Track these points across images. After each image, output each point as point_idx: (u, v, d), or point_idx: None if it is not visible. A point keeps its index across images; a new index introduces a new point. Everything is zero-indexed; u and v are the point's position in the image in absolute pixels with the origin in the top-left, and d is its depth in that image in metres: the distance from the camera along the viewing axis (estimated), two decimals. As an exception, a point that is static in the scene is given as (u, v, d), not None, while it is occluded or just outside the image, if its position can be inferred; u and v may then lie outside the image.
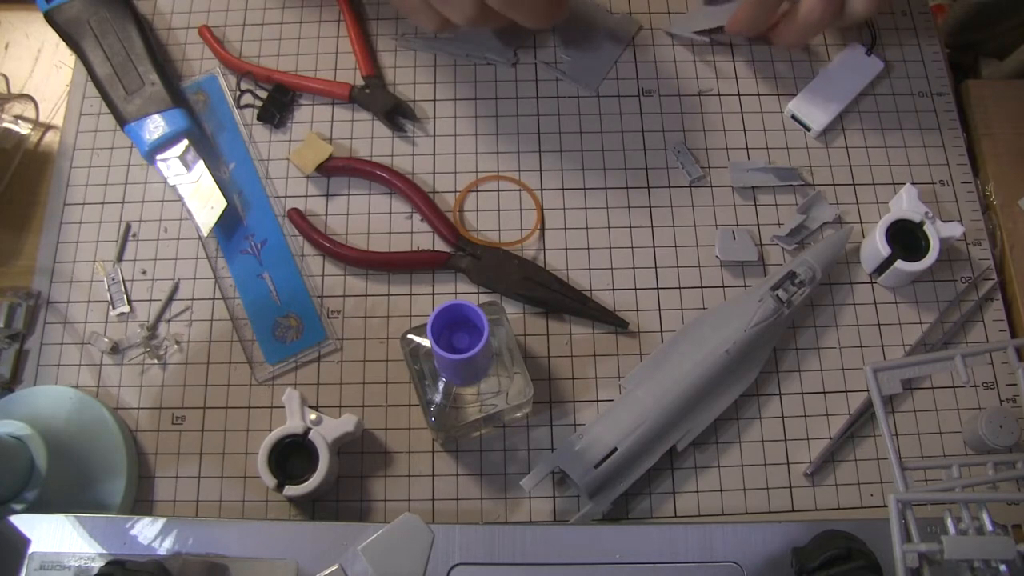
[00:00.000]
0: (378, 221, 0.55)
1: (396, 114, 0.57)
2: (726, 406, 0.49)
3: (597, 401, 0.51)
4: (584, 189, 0.56)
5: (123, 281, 0.54)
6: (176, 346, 0.52)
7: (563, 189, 0.56)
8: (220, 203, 0.53)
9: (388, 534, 0.41)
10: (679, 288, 0.53)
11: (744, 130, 0.57)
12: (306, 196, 0.56)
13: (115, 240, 0.55)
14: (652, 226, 0.55)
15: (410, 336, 0.45)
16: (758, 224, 0.55)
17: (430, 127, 0.57)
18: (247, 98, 0.58)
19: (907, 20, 0.61)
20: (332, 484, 0.49)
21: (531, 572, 0.41)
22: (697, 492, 0.49)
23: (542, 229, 0.55)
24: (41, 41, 0.61)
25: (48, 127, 0.59)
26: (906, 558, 0.38)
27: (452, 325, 0.40)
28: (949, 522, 0.39)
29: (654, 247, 0.54)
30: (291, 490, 0.46)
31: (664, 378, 0.48)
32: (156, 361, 0.52)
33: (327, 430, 0.47)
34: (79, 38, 0.55)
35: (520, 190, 0.56)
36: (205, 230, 0.53)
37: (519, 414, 0.50)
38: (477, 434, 0.50)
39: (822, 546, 0.40)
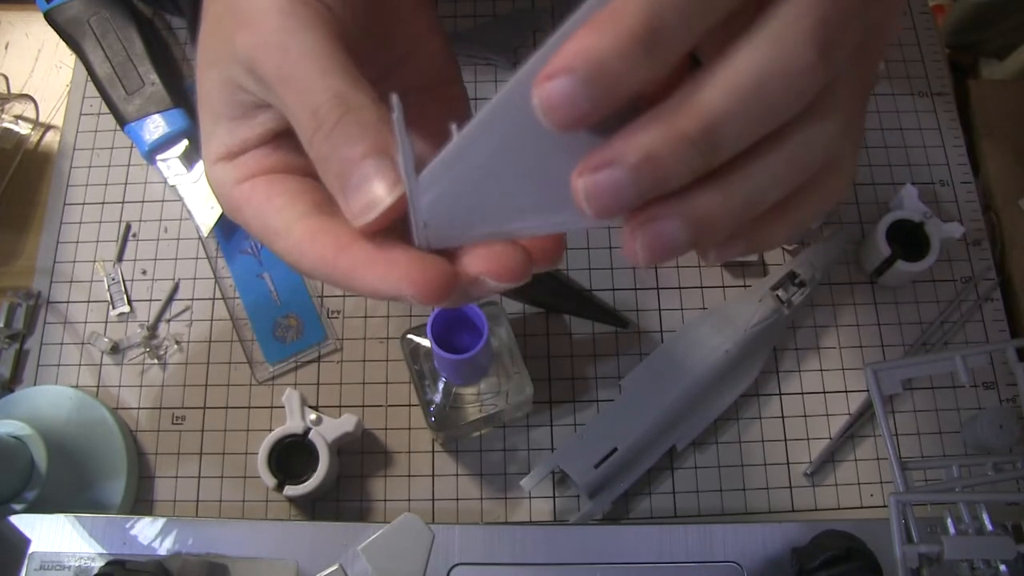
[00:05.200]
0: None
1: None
2: (726, 406, 0.49)
3: (597, 401, 0.51)
4: (584, 189, 0.55)
5: (123, 281, 0.54)
6: (176, 346, 0.52)
7: (563, 189, 0.55)
8: (220, 203, 0.53)
9: (388, 534, 0.41)
10: (679, 288, 0.53)
11: (744, 130, 0.57)
12: (306, 196, 0.55)
13: (115, 240, 0.55)
14: (652, 226, 0.55)
15: (410, 336, 0.45)
16: (758, 224, 0.55)
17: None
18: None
19: (907, 20, 0.61)
20: (332, 484, 0.49)
21: (531, 572, 0.41)
22: (697, 492, 0.49)
23: (542, 229, 0.55)
24: (41, 41, 0.61)
25: (48, 127, 0.59)
26: (906, 558, 0.38)
27: (452, 325, 0.40)
28: (949, 522, 0.39)
29: (654, 247, 0.54)
30: (291, 490, 0.46)
31: (664, 378, 0.48)
32: (156, 361, 0.52)
33: (327, 430, 0.47)
34: (79, 38, 0.55)
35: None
36: (205, 230, 0.53)
37: (519, 414, 0.50)
38: (477, 434, 0.50)
39: (822, 546, 0.40)
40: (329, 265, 0.23)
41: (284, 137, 0.26)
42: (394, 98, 0.21)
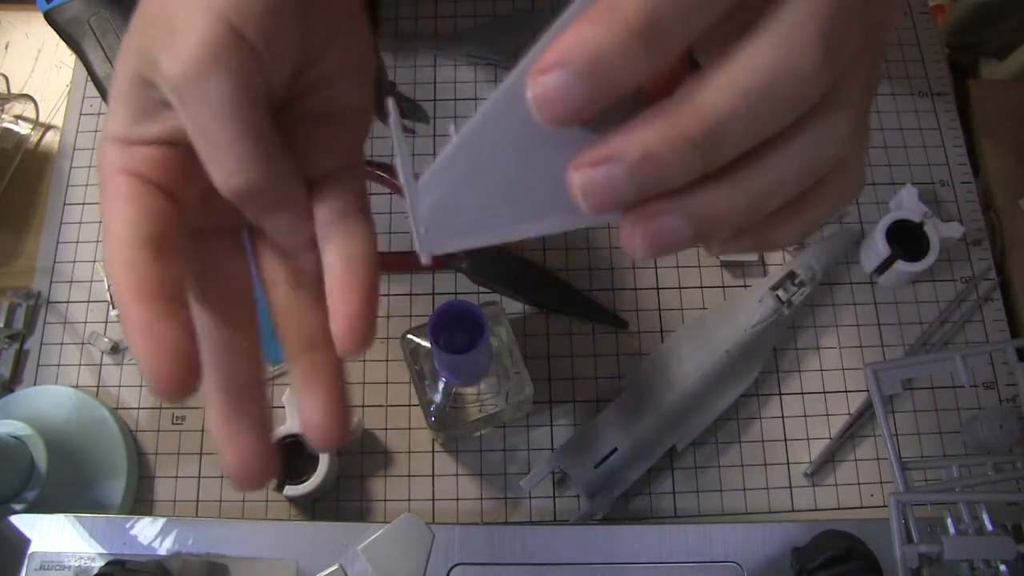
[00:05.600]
0: (378, 221, 0.55)
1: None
2: (726, 406, 0.49)
3: (597, 401, 0.51)
4: (584, 189, 0.55)
5: (123, 281, 0.54)
6: (176, 346, 0.52)
7: (563, 189, 0.55)
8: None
9: (388, 534, 0.41)
10: (679, 288, 0.53)
11: (744, 130, 0.57)
12: (306, 196, 0.55)
13: (115, 240, 0.54)
14: (652, 226, 0.55)
15: (410, 336, 0.45)
16: (758, 224, 0.55)
17: (430, 127, 0.57)
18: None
19: (907, 20, 0.61)
20: (332, 484, 0.49)
21: (531, 572, 0.41)
22: (697, 492, 0.49)
23: (542, 229, 0.55)
24: (41, 41, 0.61)
25: (48, 127, 0.59)
26: (906, 558, 0.38)
27: (452, 325, 0.40)
28: (949, 522, 0.39)
29: (654, 247, 0.54)
30: (291, 490, 0.46)
31: (664, 378, 0.48)
32: (156, 361, 0.52)
33: (327, 430, 0.47)
34: (79, 38, 0.55)
35: (520, 190, 0.55)
36: (205, 230, 0.53)
37: (519, 414, 0.50)
38: (477, 434, 0.50)
39: (822, 546, 0.40)
40: (121, 305, 0.24)
41: (181, 147, 0.26)
42: (390, 101, 0.21)
